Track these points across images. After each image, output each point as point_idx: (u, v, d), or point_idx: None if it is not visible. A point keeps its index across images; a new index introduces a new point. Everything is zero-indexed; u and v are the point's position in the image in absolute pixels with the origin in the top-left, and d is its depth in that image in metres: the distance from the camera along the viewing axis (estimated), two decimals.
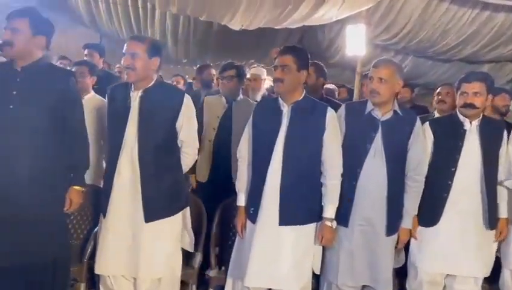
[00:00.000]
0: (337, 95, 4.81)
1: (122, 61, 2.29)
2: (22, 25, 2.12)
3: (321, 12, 4.66)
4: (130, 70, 2.22)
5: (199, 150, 2.60)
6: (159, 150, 2.29)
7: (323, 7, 4.53)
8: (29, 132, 2.13)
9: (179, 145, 2.40)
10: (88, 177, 2.53)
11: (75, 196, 2.27)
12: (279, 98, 2.31)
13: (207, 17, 4.71)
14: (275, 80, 2.24)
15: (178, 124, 2.34)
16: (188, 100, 2.37)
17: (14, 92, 2.13)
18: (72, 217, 2.62)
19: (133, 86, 2.31)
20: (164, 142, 2.32)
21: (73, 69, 3.38)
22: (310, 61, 2.34)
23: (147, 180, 2.27)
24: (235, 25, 4.75)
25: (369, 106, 2.37)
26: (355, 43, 6.19)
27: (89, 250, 2.51)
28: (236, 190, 2.43)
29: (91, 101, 3.07)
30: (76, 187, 2.29)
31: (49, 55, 3.50)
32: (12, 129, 2.12)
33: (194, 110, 2.44)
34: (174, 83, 5.44)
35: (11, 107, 2.12)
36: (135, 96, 2.30)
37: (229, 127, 3.03)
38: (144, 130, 2.26)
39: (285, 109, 2.28)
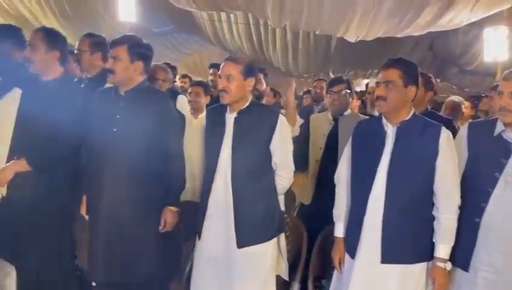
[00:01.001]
0: (463, 109, 4.15)
1: (219, 85, 2.25)
2: (121, 52, 2.24)
3: (448, 16, 4.16)
4: (225, 93, 2.18)
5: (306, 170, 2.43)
6: (253, 173, 2.21)
7: (450, 11, 4.02)
8: (129, 153, 2.23)
9: (273, 167, 2.28)
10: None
11: (169, 216, 2.30)
12: (383, 118, 2.05)
13: (321, 31, 4.57)
14: (377, 98, 1.98)
15: (272, 146, 2.23)
16: (282, 121, 2.24)
17: (118, 116, 2.26)
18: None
19: (228, 108, 2.27)
20: (258, 165, 2.23)
21: (189, 90, 3.57)
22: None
23: (239, 204, 2.19)
24: (351, 36, 4.51)
25: (499, 127, 1.95)
26: (495, 48, 5.44)
27: (187, 268, 2.52)
28: (334, 219, 2.21)
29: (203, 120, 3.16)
30: (172, 208, 2.31)
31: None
32: (115, 151, 2.24)
33: (290, 131, 2.30)
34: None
35: (115, 130, 2.25)
36: (230, 118, 2.25)
37: (336, 145, 2.83)
38: (237, 153, 2.20)
39: (390, 130, 2.01)
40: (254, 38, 7.71)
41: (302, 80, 11.61)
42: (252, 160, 2.21)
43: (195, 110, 3.60)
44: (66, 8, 7.59)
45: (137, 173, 2.24)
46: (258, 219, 2.22)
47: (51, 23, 8.13)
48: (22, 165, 2.30)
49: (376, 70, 8.74)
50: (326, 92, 3.10)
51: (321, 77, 4.95)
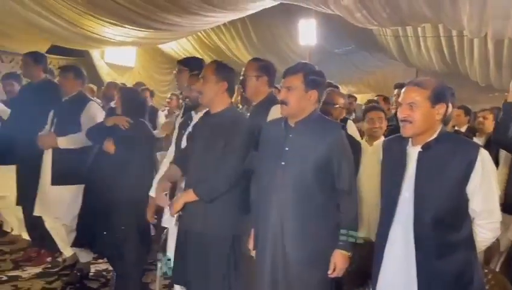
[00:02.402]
0: None
1: (399, 113, 1.90)
2: (296, 82, 2.10)
3: None
4: (407, 123, 1.82)
5: None
6: (442, 222, 1.78)
7: None
8: (298, 189, 2.08)
9: (472, 215, 1.81)
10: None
11: (340, 260, 2.07)
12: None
13: None
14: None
15: (469, 188, 1.76)
16: (484, 155, 1.76)
17: (287, 148, 2.13)
18: None
19: (411, 140, 1.90)
20: (449, 212, 1.79)
21: (369, 115, 3.31)
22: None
23: (423, 260, 1.79)
24: None
25: None
26: None
27: None
28: None
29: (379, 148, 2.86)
30: (342, 251, 2.06)
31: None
32: (283, 185, 2.10)
33: (494, 170, 1.80)
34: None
35: (283, 163, 2.11)
36: (413, 153, 1.87)
37: None
38: (422, 196, 1.80)
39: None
40: (445, 51, 6.88)
41: (506, 94, 9.94)
42: (442, 205, 1.78)
43: (371, 137, 3.30)
44: (252, 37, 8.13)
45: (306, 210, 2.07)
46: (449, 279, 1.78)
47: (242, 52, 8.85)
48: (191, 196, 2.37)
49: None
50: None
51: None
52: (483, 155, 1.77)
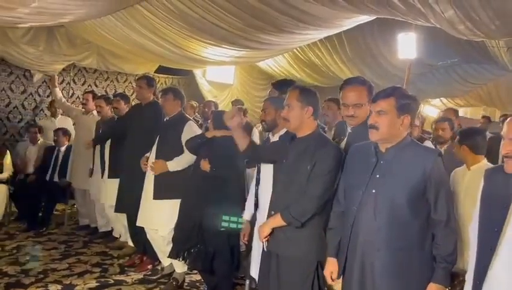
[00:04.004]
0: None
1: (504, 147, 1.73)
2: (387, 106, 2.03)
3: None
4: (510, 160, 1.68)
5: None
6: None
7: None
8: (390, 217, 2.01)
9: None
10: None
11: None
12: None
13: None
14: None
15: None
16: None
17: (377, 175, 2.05)
18: None
19: None
20: None
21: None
22: None
23: None
24: None
25: None
26: None
27: None
28: None
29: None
30: (438, 285, 1.93)
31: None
32: (374, 214, 2.04)
33: None
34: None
35: (373, 191, 2.04)
36: None
37: None
38: None
39: None
40: None
41: None
42: None
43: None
44: (347, 52, 8.00)
45: (394, 242, 2.00)
46: None
47: (338, 67, 8.75)
48: (278, 221, 2.39)
49: None
50: None
51: None
52: None
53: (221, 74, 10.10)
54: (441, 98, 11.77)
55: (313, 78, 9.63)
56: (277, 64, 9.59)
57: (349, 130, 2.55)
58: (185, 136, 3.84)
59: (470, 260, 1.90)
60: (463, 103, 11.83)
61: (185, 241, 3.52)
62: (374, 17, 5.10)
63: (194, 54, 7.11)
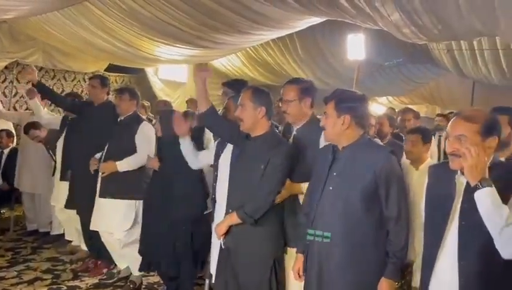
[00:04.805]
0: None
1: (448, 148, 1.85)
2: (329, 108, 2.16)
3: None
4: (455, 157, 1.77)
5: None
6: (487, 256, 1.71)
7: None
8: (345, 214, 2.09)
9: None
10: None
11: (386, 288, 2.06)
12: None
13: None
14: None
15: None
16: None
17: (334, 173, 2.14)
18: None
19: (459, 170, 1.84)
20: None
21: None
22: None
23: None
24: None
25: None
26: None
27: None
28: None
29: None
30: (388, 280, 2.03)
31: None
32: (330, 211, 2.12)
33: None
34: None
35: (331, 188, 2.13)
36: (462, 183, 1.81)
37: None
38: (466, 231, 1.75)
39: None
40: (503, 63, 6.57)
41: None
42: (486, 240, 1.71)
43: (414, 161, 3.22)
44: (299, 52, 8.17)
45: (349, 237, 2.09)
46: None
47: (291, 66, 8.91)
48: (234, 219, 2.43)
49: None
50: None
51: None
52: None
53: (174, 72, 9.98)
54: (387, 96, 12.30)
55: (266, 77, 9.74)
56: (230, 63, 9.62)
57: (294, 131, 2.65)
58: (139, 137, 3.80)
59: (418, 252, 2.03)
60: (408, 101, 12.38)
61: (154, 252, 3.45)
62: (325, 19, 5.26)
63: (146, 52, 6.99)
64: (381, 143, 3.84)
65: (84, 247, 4.54)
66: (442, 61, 7.60)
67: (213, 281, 2.78)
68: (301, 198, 2.48)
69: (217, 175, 2.88)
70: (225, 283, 2.54)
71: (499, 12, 3.20)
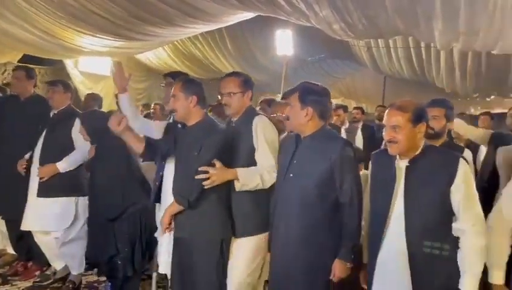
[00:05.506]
0: None
1: (386, 136, 2.04)
2: (292, 100, 2.27)
3: None
4: (393, 144, 1.98)
5: None
6: (430, 231, 1.94)
7: None
8: (302, 199, 2.22)
9: (457, 225, 1.96)
10: None
11: (338, 269, 2.19)
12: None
13: (500, 50, 4.00)
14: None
15: (453, 197, 1.93)
16: (464, 166, 1.93)
17: (295, 161, 2.27)
18: None
19: (398, 155, 2.05)
20: (437, 223, 1.95)
21: None
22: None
23: (417, 268, 1.94)
24: None
25: None
26: None
27: None
28: None
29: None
30: (341, 261, 2.19)
31: None
32: (290, 196, 2.25)
33: (473, 178, 1.99)
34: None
35: (291, 175, 2.26)
36: (401, 167, 2.03)
37: None
38: (411, 209, 1.96)
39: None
40: (414, 60, 7.25)
41: (468, 99, 10.50)
42: (430, 216, 1.93)
43: None
44: (229, 47, 8.26)
45: (304, 220, 2.22)
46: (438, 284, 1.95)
47: (220, 61, 8.96)
48: (174, 207, 2.46)
49: None
50: None
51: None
52: (464, 165, 1.92)
53: (95, 64, 9.53)
54: None
55: (193, 71, 9.70)
56: (155, 57, 9.43)
57: (233, 124, 2.69)
58: (76, 131, 3.61)
59: (364, 233, 2.22)
60: None
61: (100, 253, 3.31)
62: (257, 14, 5.40)
63: (67, 42, 6.63)
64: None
65: (10, 250, 4.23)
66: (361, 57, 8.16)
67: (161, 272, 2.78)
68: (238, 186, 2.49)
69: (162, 174, 2.84)
70: (180, 273, 2.56)
71: (420, 15, 3.56)
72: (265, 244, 2.48)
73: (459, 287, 1.91)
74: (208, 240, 2.47)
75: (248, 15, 5.47)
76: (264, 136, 2.48)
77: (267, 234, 2.48)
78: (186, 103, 2.49)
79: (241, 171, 2.44)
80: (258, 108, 3.99)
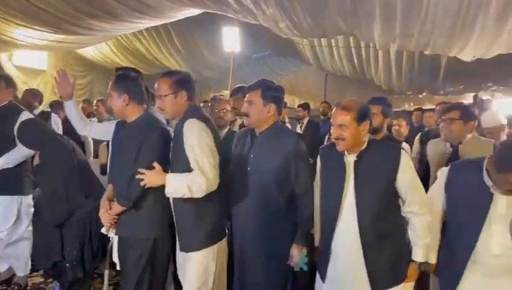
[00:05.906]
0: None
1: (333, 133, 2.16)
2: (254, 96, 2.33)
3: None
4: (340, 141, 2.12)
5: None
6: (379, 216, 2.11)
7: None
8: (260, 192, 2.31)
9: (405, 209, 2.15)
10: None
11: (296, 253, 2.29)
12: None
13: (432, 51, 4.35)
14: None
15: (398, 184, 2.11)
16: (405, 155, 2.12)
17: (252, 155, 2.36)
18: None
19: (346, 151, 2.18)
20: (384, 208, 2.12)
21: None
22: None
23: (369, 250, 2.11)
24: (466, 56, 4.22)
25: None
26: None
27: None
28: None
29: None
30: (298, 245, 2.30)
31: None
32: (248, 189, 2.34)
33: (412, 164, 2.20)
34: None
35: (249, 169, 2.34)
36: (349, 162, 2.17)
37: None
38: (362, 201, 2.12)
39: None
40: (355, 59, 7.61)
41: (403, 96, 11.16)
42: (379, 203, 2.11)
43: None
44: (175, 43, 8.19)
45: (261, 211, 2.31)
46: (388, 263, 2.13)
47: (165, 57, 8.85)
48: (117, 208, 2.42)
49: (490, 84, 8.10)
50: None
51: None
52: (405, 155, 2.12)
53: (31, 58, 9.06)
54: None
55: (138, 66, 9.49)
56: (98, 51, 9.14)
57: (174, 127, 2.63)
58: (17, 128, 3.47)
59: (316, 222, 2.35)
60: None
61: (44, 259, 3.18)
62: (204, 11, 5.43)
63: (1, 34, 6.27)
64: None
65: None
66: (305, 55, 8.41)
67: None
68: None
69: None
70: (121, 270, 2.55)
71: (361, 17, 3.79)
72: (215, 255, 2.34)
73: (412, 257, 2.13)
74: (140, 238, 2.44)
75: (195, 11, 5.49)
76: (191, 142, 2.24)
77: (216, 245, 2.34)
78: (119, 101, 2.45)
79: (170, 178, 2.24)
80: (208, 104, 4.03)
